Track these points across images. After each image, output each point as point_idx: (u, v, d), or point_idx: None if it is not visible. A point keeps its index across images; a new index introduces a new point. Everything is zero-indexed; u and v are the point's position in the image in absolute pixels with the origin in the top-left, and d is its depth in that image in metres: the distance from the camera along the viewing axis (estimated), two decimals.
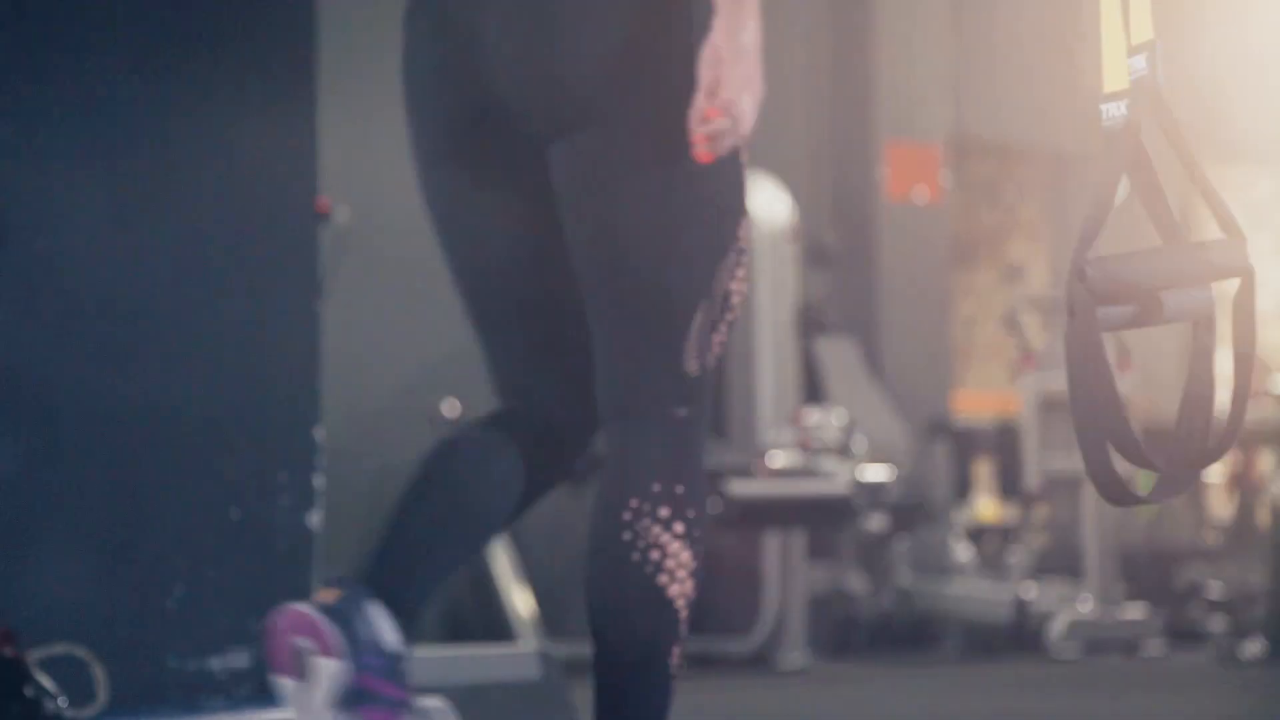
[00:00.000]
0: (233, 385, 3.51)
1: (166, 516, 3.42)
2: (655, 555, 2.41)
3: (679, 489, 2.41)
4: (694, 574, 2.41)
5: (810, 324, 7.10)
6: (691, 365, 2.37)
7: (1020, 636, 6.96)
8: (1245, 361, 1.79)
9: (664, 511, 2.41)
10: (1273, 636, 6.28)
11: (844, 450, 6.42)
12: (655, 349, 2.35)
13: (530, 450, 2.58)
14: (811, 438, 6.43)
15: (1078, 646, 6.76)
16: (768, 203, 6.68)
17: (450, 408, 6.70)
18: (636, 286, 2.34)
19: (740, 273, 2.35)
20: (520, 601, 6.37)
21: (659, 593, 2.40)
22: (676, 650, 2.41)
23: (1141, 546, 7.72)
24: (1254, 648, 6.33)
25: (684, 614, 2.39)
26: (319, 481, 3.61)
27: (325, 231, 5.92)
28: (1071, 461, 6.96)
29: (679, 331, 2.34)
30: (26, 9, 3.36)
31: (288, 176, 3.63)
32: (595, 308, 2.38)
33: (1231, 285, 1.82)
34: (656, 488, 2.41)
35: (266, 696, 3.42)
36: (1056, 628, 6.78)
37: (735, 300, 2.37)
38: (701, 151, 2.31)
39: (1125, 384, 7.12)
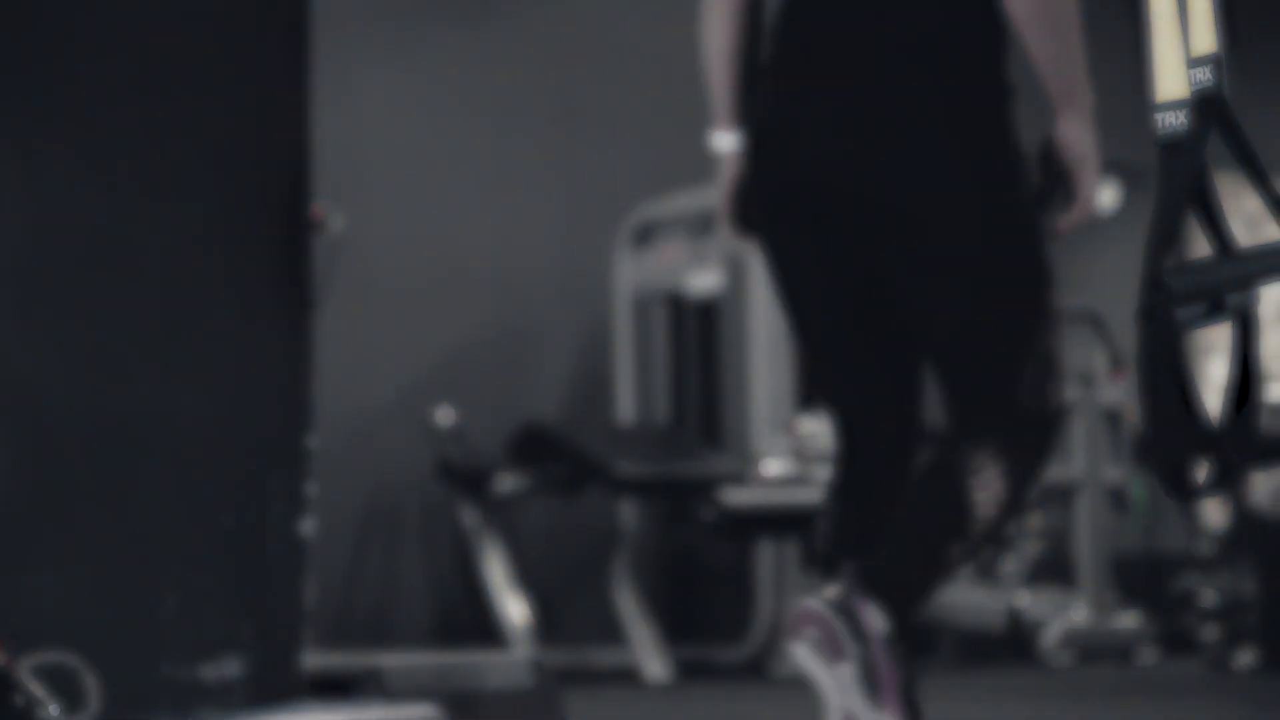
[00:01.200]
0: (225, 392, 3.51)
1: (158, 524, 3.42)
2: (972, 480, 2.69)
3: (1004, 464, 2.72)
4: (1001, 507, 2.70)
5: None
6: (1024, 408, 2.76)
7: (1014, 644, 6.96)
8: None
9: (983, 457, 2.72)
10: (1266, 645, 6.28)
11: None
12: (990, 396, 2.77)
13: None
14: (806, 446, 6.43)
15: (1071, 655, 6.76)
16: None
17: (444, 415, 6.70)
18: (978, 352, 2.77)
19: (1060, 333, 2.80)
20: (514, 608, 6.37)
21: (966, 496, 2.68)
22: (957, 549, 2.71)
23: (1135, 555, 7.72)
24: (1246, 657, 6.33)
25: (979, 527, 2.69)
26: (311, 489, 3.61)
27: (320, 239, 5.93)
28: (1065, 470, 6.96)
29: (1011, 380, 2.76)
30: (16, 19, 3.36)
31: (281, 184, 3.63)
32: (946, 363, 2.80)
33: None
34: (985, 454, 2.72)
35: (259, 704, 3.42)
36: (1050, 636, 6.79)
37: (1058, 356, 2.83)
38: (1061, 232, 2.75)
39: (1119, 391, 7.12)
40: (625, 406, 7.07)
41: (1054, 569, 7.28)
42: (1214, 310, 1.83)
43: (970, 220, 2.70)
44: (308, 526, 3.59)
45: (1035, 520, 7.51)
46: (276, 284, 3.60)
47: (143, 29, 3.48)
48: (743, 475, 6.33)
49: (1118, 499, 7.12)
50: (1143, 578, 7.60)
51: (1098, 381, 7.00)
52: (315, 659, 3.93)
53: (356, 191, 6.84)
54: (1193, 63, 1.83)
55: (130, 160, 3.46)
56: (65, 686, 3.15)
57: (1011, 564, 7.25)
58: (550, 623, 6.77)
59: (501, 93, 7.34)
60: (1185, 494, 1.84)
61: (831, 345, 2.84)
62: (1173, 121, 1.83)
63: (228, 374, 3.52)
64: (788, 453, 6.42)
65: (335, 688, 4.22)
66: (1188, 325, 1.82)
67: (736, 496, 6.21)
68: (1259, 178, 1.82)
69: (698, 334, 6.94)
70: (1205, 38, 1.81)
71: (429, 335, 7.12)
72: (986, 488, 2.69)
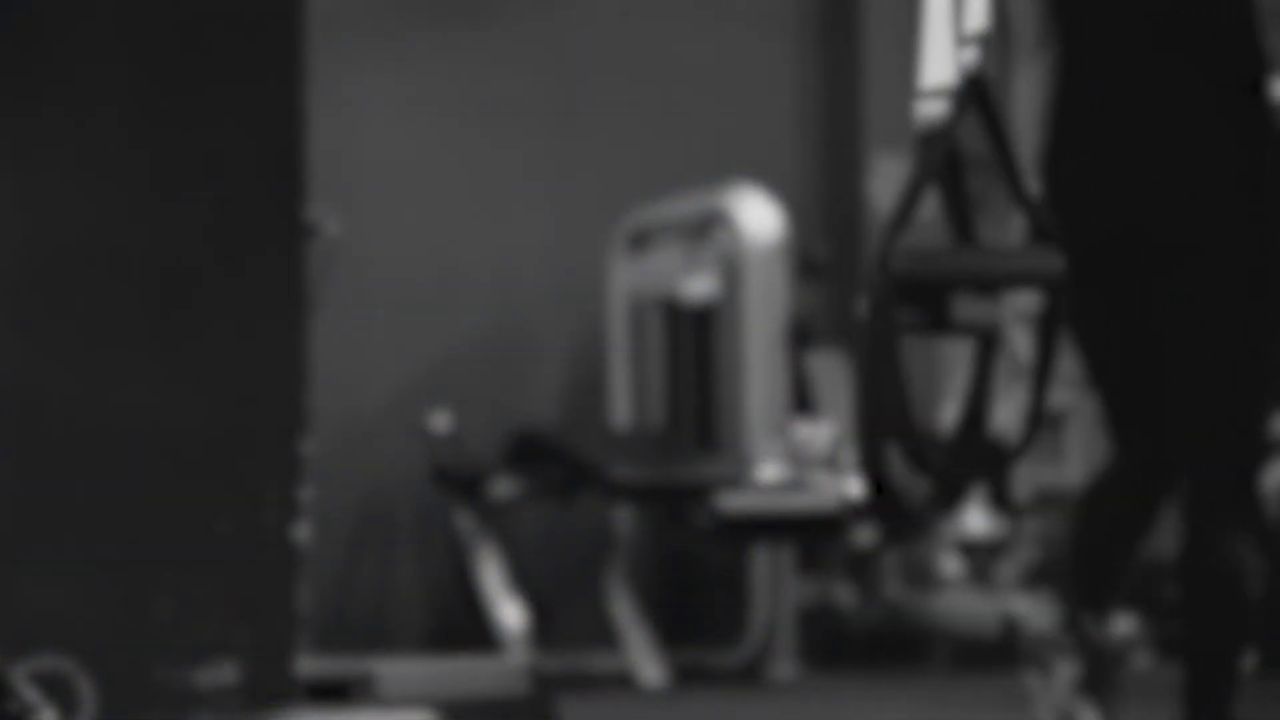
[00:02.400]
0: (220, 397, 3.50)
1: (153, 529, 3.42)
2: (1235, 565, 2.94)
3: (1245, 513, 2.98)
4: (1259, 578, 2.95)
5: (800, 336, 7.10)
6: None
7: (1009, 650, 6.95)
8: (1044, 377, 1.72)
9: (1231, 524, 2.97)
10: (1261, 648, 6.28)
11: (833, 463, 6.42)
12: (1236, 426, 2.97)
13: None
14: (801, 450, 6.43)
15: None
16: (758, 215, 6.68)
17: (439, 420, 6.70)
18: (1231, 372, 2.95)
19: None
20: (510, 613, 6.37)
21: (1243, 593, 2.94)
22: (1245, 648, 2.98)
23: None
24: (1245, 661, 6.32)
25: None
26: (306, 495, 3.60)
27: (314, 243, 5.93)
28: (1061, 475, 6.96)
29: (1255, 412, 2.96)
30: (14, 23, 3.36)
31: (277, 188, 3.63)
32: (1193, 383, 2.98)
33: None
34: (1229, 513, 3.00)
35: (253, 709, 3.42)
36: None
37: None
38: None
39: None
40: (620, 411, 7.07)
41: (1049, 574, 7.28)
42: (940, 321, 1.72)
43: (1256, 269, 2.91)
44: (302, 531, 3.59)
45: (1031, 526, 7.51)
46: (271, 289, 3.60)
47: (139, 34, 3.48)
48: (738, 480, 6.33)
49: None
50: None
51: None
52: (310, 664, 3.92)
53: (351, 196, 6.83)
54: (962, 41, 1.73)
55: (126, 165, 3.46)
56: (60, 691, 3.15)
57: (1007, 569, 7.25)
58: (546, 627, 6.76)
59: (496, 98, 7.34)
60: (885, 512, 1.76)
61: (1129, 393, 3.11)
62: (932, 110, 1.74)
63: (223, 379, 3.51)
64: (783, 457, 6.42)
65: (330, 693, 4.21)
66: (911, 329, 1.72)
67: (732, 501, 6.21)
68: (1008, 165, 1.74)
69: (693, 338, 6.93)
70: (977, 15, 1.71)
71: (424, 340, 7.11)
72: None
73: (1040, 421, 1.73)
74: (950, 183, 1.72)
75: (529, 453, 6.41)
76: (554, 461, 6.34)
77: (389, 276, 7.06)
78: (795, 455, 6.41)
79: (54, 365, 3.36)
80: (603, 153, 7.52)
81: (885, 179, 8.07)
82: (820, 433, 6.47)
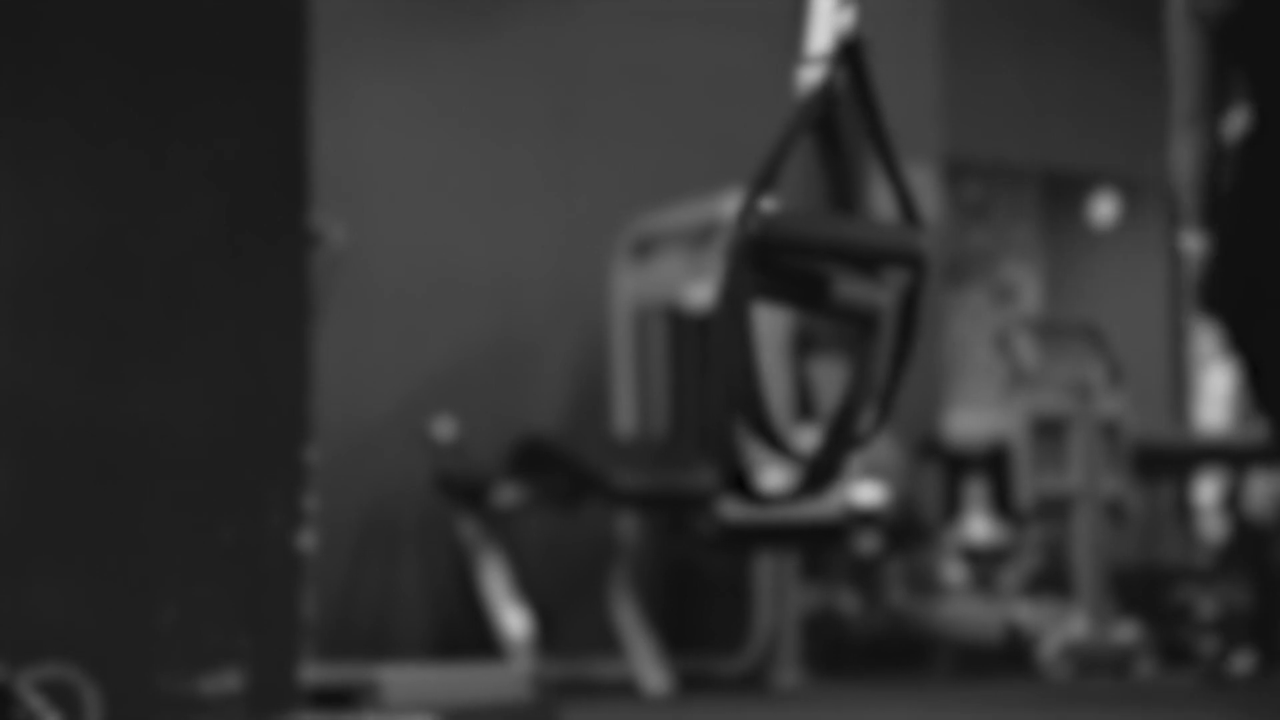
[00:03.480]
0: (224, 404, 3.52)
1: (158, 536, 3.43)
2: None
3: None
4: None
5: (803, 343, 7.12)
6: None
7: (1012, 656, 6.96)
8: (902, 359, 1.66)
9: None
10: (1261, 653, 6.29)
11: None
12: None
13: None
14: (804, 457, 6.43)
15: (1069, 666, 6.77)
16: None
17: (443, 427, 6.71)
18: None
19: None
20: (513, 620, 6.38)
21: None
22: None
23: (1133, 567, 7.73)
24: (1242, 664, 6.35)
25: None
26: (310, 502, 3.61)
27: (319, 251, 5.94)
28: (1063, 481, 6.97)
29: None
30: (14, 32, 3.37)
31: (281, 195, 3.64)
32: None
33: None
34: None
35: (258, 716, 3.43)
36: (1048, 647, 6.79)
37: None
38: None
39: (1118, 403, 7.13)
40: (623, 419, 7.08)
41: (1052, 581, 7.30)
42: (815, 298, 1.64)
43: None
44: (307, 539, 3.60)
45: (1033, 532, 7.51)
46: (276, 296, 3.61)
47: (143, 40, 3.49)
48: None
49: (1115, 511, 7.13)
50: (1140, 589, 7.62)
51: (1095, 394, 7.01)
52: (314, 671, 3.94)
53: (356, 203, 6.85)
54: (840, 4, 1.69)
55: (130, 172, 3.47)
56: (65, 699, 3.16)
57: (1009, 576, 7.26)
58: (549, 634, 6.77)
59: (500, 105, 7.36)
60: (739, 495, 1.67)
61: None
62: (808, 76, 1.69)
63: (227, 386, 3.53)
64: (786, 465, 6.42)
65: (334, 700, 4.22)
66: (780, 296, 1.63)
67: (735, 509, 6.22)
68: (880, 135, 1.69)
69: (696, 346, 6.95)
70: None
71: (428, 347, 7.13)
72: None
73: (893, 406, 1.68)
74: (827, 150, 1.68)
75: (532, 460, 6.43)
76: (557, 469, 6.36)
77: (393, 284, 7.07)
78: (798, 462, 6.42)
79: (58, 372, 3.37)
80: (606, 161, 7.54)
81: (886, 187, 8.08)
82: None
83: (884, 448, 7.24)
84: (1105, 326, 7.50)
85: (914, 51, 8.25)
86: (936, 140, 8.32)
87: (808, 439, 6.52)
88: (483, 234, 7.28)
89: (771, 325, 6.68)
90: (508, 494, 6.41)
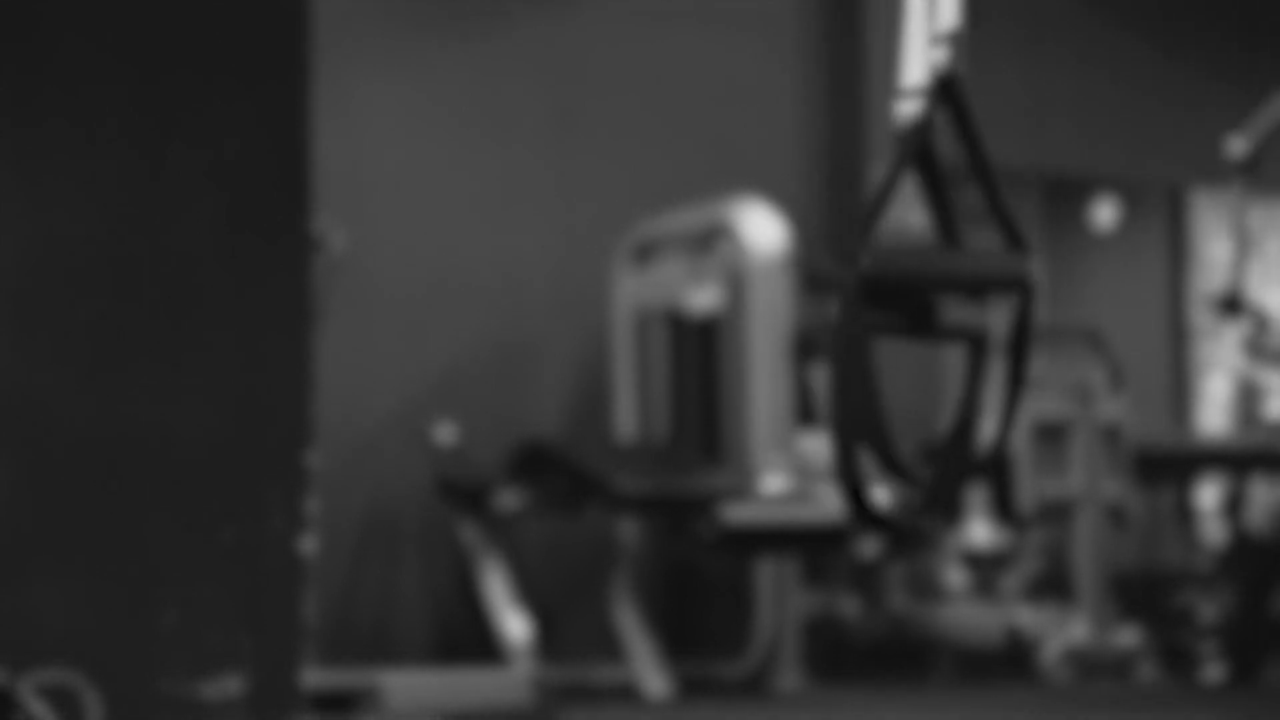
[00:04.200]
0: (225, 408, 3.52)
1: (159, 540, 3.43)
2: None
3: None
4: None
5: (804, 348, 7.12)
6: None
7: (1013, 661, 6.96)
8: (1018, 380, 1.70)
9: None
10: (1234, 660, 6.30)
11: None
12: None
13: None
14: (805, 462, 6.44)
15: (1070, 671, 6.77)
16: (762, 227, 6.70)
17: (443, 431, 6.71)
18: None
19: None
20: (514, 624, 6.38)
21: None
22: None
23: (1133, 571, 7.73)
24: (1235, 667, 6.34)
25: None
26: (312, 506, 3.62)
27: (320, 256, 5.94)
28: (1064, 485, 6.97)
29: None
30: (15, 34, 3.37)
31: (282, 199, 3.64)
32: None
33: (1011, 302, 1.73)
34: None
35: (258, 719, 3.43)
36: (1049, 652, 6.79)
37: None
38: None
39: (1119, 407, 7.13)
40: (625, 423, 7.08)
41: (1053, 585, 7.29)
42: (925, 324, 1.69)
43: None
44: (308, 543, 3.60)
45: (1035, 537, 7.51)
46: (277, 299, 3.61)
47: (144, 43, 3.49)
48: (742, 491, 6.34)
49: (1116, 515, 7.12)
50: (1141, 593, 7.61)
51: (1096, 398, 7.01)
52: (315, 675, 3.94)
53: (358, 207, 6.85)
54: (934, 40, 1.73)
55: (132, 177, 3.47)
56: (67, 703, 3.16)
57: (1010, 580, 7.25)
58: (550, 638, 6.77)
59: (501, 109, 7.36)
60: (864, 520, 1.70)
61: None
62: (909, 110, 1.74)
63: (228, 390, 3.53)
64: (787, 469, 6.43)
65: (335, 704, 4.22)
66: (891, 329, 1.69)
67: (736, 513, 6.22)
68: (981, 166, 1.73)
69: (697, 350, 6.95)
70: (950, 12, 1.71)
71: (429, 351, 7.13)
72: None
73: (1012, 425, 1.71)
74: (930, 184, 1.71)
75: (533, 464, 6.42)
76: (558, 473, 6.36)
77: (394, 288, 7.08)
78: (799, 467, 6.43)
79: (60, 375, 3.37)
80: (607, 165, 7.54)
81: None
82: (823, 444, 6.48)
83: None
84: (1106, 330, 7.50)
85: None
86: (938, 144, 8.31)
87: (811, 444, 6.52)
88: (484, 237, 7.28)
89: (770, 331, 6.68)
90: (508, 498, 6.41)
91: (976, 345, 1.70)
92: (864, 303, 1.62)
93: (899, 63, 1.73)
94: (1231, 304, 6.64)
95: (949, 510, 1.78)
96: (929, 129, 1.70)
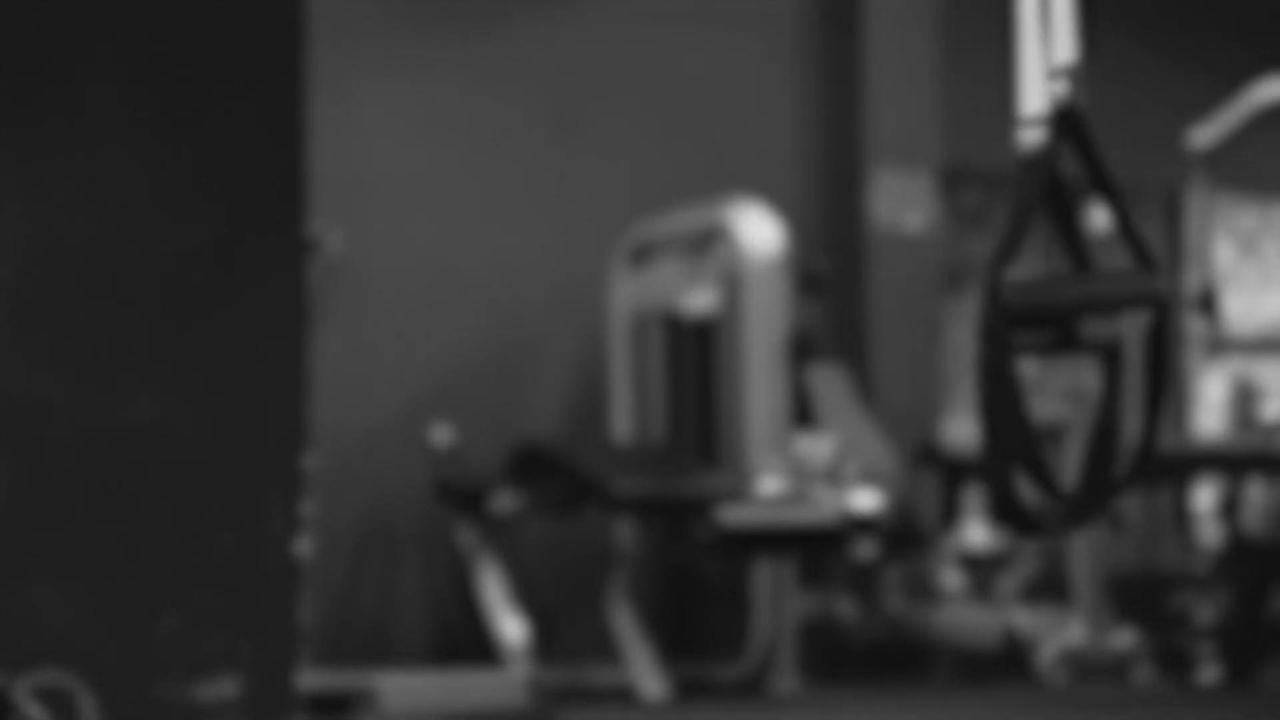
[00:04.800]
0: (222, 411, 3.52)
1: (155, 542, 3.43)
2: None
3: None
4: None
5: (800, 350, 7.12)
6: None
7: (1009, 663, 6.96)
8: (1158, 393, 1.78)
9: None
10: (1230, 662, 6.30)
11: (834, 476, 6.43)
12: None
13: None
14: (801, 463, 6.44)
15: (1067, 673, 6.77)
16: (758, 229, 6.70)
17: (440, 434, 6.71)
18: None
19: None
20: (511, 627, 6.38)
21: None
22: None
23: (1130, 573, 7.73)
24: (1213, 672, 6.35)
25: None
26: (308, 508, 3.62)
27: (317, 258, 5.94)
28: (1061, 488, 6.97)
29: None
30: (12, 39, 3.38)
31: (279, 202, 3.64)
32: None
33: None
34: None
35: None
36: (1046, 654, 6.79)
37: None
38: None
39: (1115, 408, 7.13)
40: (621, 425, 7.08)
41: (1049, 587, 7.29)
42: (1065, 340, 1.78)
43: None
44: (305, 545, 3.60)
45: (1031, 539, 7.51)
46: (274, 302, 3.61)
47: (140, 48, 3.49)
48: (739, 493, 6.34)
49: (1112, 518, 7.13)
50: (1138, 595, 7.61)
51: (1089, 401, 7.01)
52: (312, 678, 3.94)
53: (354, 209, 6.85)
54: (1052, 75, 1.83)
55: (128, 180, 3.47)
56: (62, 706, 3.16)
57: (1007, 582, 7.26)
58: (547, 641, 6.77)
59: (498, 112, 7.36)
60: (1021, 532, 1.78)
61: None
62: (1031, 138, 1.84)
63: (226, 393, 3.53)
64: (783, 470, 6.43)
65: (332, 706, 4.23)
66: (1031, 350, 1.78)
67: (733, 514, 6.22)
68: (1110, 194, 1.80)
69: (693, 352, 6.95)
70: (1065, 49, 1.81)
71: (426, 354, 7.13)
72: None
73: (1157, 437, 1.80)
74: (1058, 211, 1.81)
75: (530, 467, 6.43)
76: (555, 475, 6.36)
77: (391, 291, 7.07)
78: (796, 469, 6.43)
79: (57, 378, 3.37)
80: (604, 167, 7.54)
81: (885, 193, 8.08)
82: (820, 446, 6.49)
83: (881, 454, 7.24)
84: None
85: (912, 58, 8.25)
86: (934, 147, 8.33)
87: (805, 446, 6.52)
88: (481, 240, 7.29)
89: (767, 333, 6.68)
90: (506, 500, 6.42)
91: (1112, 356, 1.80)
92: (1008, 334, 1.72)
93: (1016, 92, 1.84)
94: (1206, 302, 6.65)
95: (1101, 517, 1.91)
96: (1055, 158, 1.78)
